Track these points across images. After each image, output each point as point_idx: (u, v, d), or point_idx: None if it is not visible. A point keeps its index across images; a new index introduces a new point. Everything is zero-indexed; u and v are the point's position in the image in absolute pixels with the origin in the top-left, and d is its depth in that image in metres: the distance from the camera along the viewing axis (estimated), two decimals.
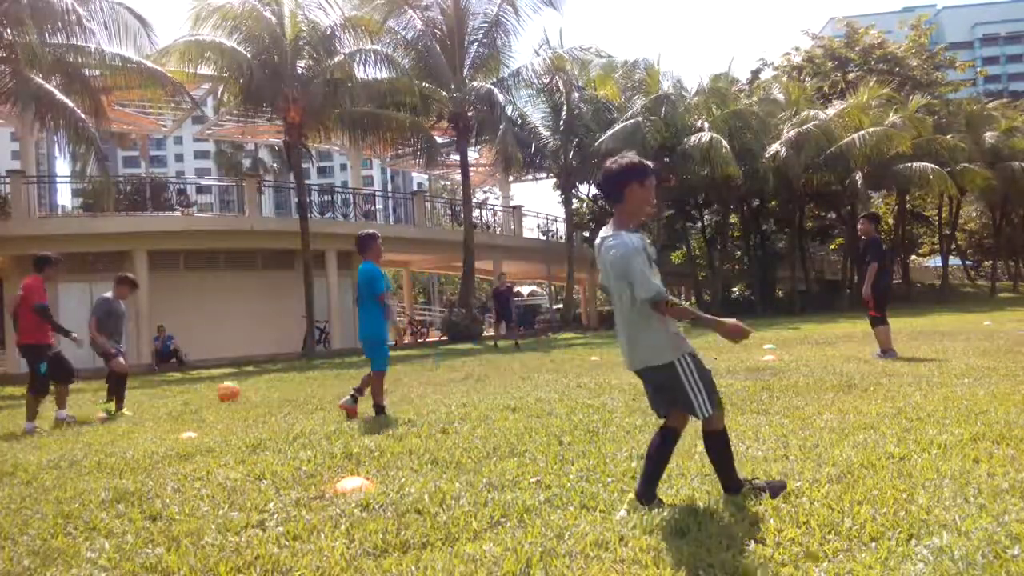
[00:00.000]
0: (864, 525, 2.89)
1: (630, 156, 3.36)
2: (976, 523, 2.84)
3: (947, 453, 4.00)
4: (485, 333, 25.38)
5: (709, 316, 3.25)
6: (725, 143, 25.60)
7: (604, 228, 3.38)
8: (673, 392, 3.30)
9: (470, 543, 3.03)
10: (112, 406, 8.61)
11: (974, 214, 44.87)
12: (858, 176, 28.71)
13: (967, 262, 47.71)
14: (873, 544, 2.72)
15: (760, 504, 3.24)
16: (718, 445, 3.39)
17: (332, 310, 22.55)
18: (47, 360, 8.20)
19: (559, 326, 28.67)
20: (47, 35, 15.75)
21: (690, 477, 3.81)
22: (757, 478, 3.50)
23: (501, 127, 23.87)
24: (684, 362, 3.26)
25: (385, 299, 6.86)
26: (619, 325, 3.40)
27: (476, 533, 3.16)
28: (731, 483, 3.40)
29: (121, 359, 8.94)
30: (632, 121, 25.57)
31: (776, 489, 3.38)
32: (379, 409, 6.81)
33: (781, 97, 30.97)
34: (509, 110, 25.77)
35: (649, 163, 3.38)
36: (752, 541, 2.82)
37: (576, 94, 27.52)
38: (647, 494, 3.33)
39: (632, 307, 3.24)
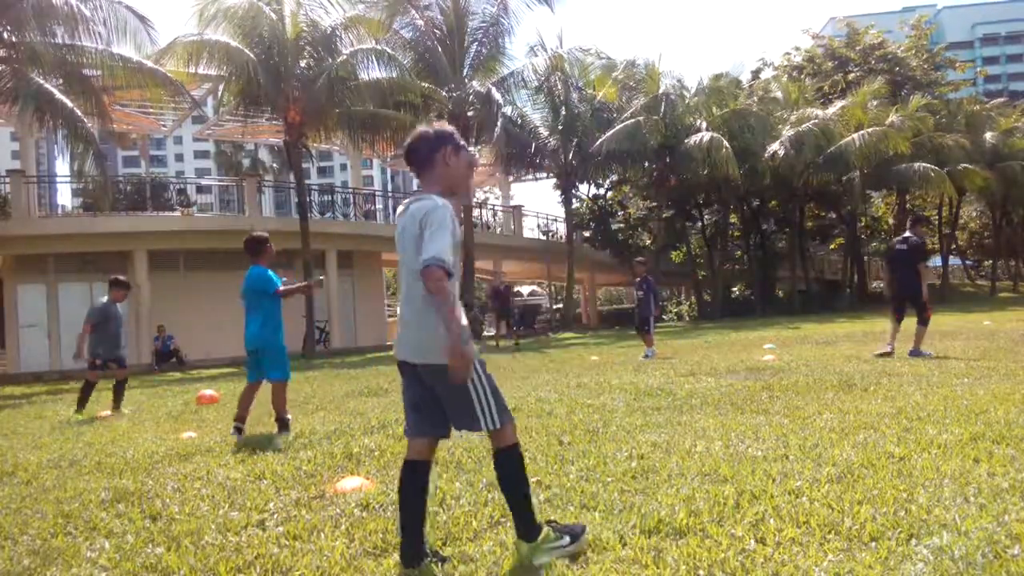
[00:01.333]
0: (864, 525, 2.89)
1: (450, 127, 2.99)
2: (976, 523, 2.84)
3: (947, 453, 4.00)
4: (485, 333, 25.37)
5: (459, 326, 2.60)
6: (726, 143, 25.61)
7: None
8: (452, 400, 2.77)
9: (470, 543, 3.03)
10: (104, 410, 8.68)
11: (974, 214, 44.88)
12: (855, 176, 28.71)
13: (967, 262, 47.70)
14: (873, 544, 2.72)
15: (760, 504, 3.24)
16: (511, 463, 2.81)
17: (332, 310, 22.55)
18: None
19: (559, 326, 28.66)
20: (48, 35, 15.74)
21: (690, 477, 3.81)
22: (554, 521, 2.97)
23: (497, 127, 23.86)
24: (474, 365, 2.73)
25: (281, 292, 6.26)
26: (403, 305, 2.83)
27: (476, 533, 3.16)
28: (526, 525, 2.78)
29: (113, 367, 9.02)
30: (632, 121, 25.59)
31: (576, 535, 2.85)
32: (283, 424, 6.22)
33: (780, 96, 30.96)
34: (509, 110, 25.80)
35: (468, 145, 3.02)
36: (752, 541, 2.82)
37: (575, 94, 27.54)
38: (416, 549, 2.78)
39: (419, 281, 2.65)
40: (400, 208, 2.91)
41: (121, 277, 9.05)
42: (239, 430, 6.08)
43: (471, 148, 26.62)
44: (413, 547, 2.79)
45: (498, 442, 2.81)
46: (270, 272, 6.25)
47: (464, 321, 2.67)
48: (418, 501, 2.86)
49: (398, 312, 2.90)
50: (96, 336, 8.73)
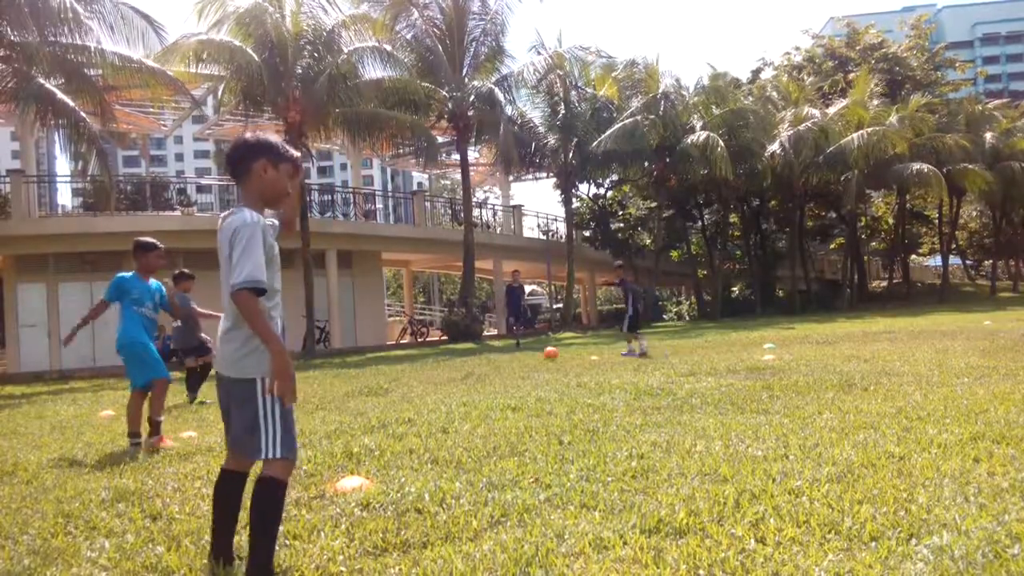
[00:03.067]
0: (864, 524, 2.89)
1: (272, 136, 2.92)
2: (976, 522, 2.84)
3: (947, 452, 4.00)
4: (485, 333, 25.38)
5: (281, 344, 2.65)
6: (721, 142, 25.61)
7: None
8: (241, 418, 2.72)
9: (470, 542, 3.03)
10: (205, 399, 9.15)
11: (974, 214, 44.87)
12: (851, 175, 28.70)
13: (967, 262, 47.69)
14: (873, 543, 2.72)
15: (760, 503, 3.24)
16: (271, 498, 2.69)
17: (332, 310, 22.55)
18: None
19: (559, 325, 28.66)
20: (49, 35, 15.74)
21: (690, 476, 3.81)
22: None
23: (502, 127, 23.87)
24: (262, 385, 2.67)
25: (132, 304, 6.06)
26: (223, 317, 2.84)
27: (476, 532, 3.16)
28: (225, 550, 2.84)
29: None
30: (631, 120, 25.57)
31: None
32: (135, 436, 5.94)
33: (776, 95, 30.96)
34: (509, 109, 25.79)
35: (294, 152, 2.91)
36: (752, 540, 2.82)
37: (575, 93, 27.53)
38: (224, 553, 2.85)
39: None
40: (219, 221, 2.85)
41: (186, 270, 9.39)
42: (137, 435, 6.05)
43: (471, 147, 26.61)
44: (220, 549, 2.86)
45: (268, 470, 2.69)
46: (132, 280, 6.12)
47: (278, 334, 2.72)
48: (227, 508, 2.87)
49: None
50: (184, 327, 9.39)
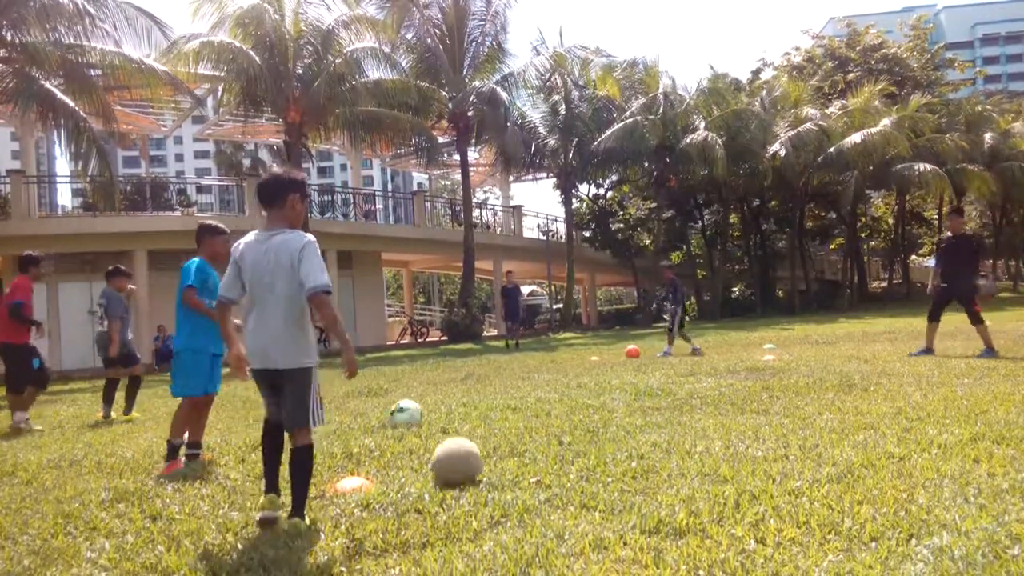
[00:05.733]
0: (864, 525, 2.89)
1: (303, 174, 3.64)
2: (976, 523, 2.84)
3: (947, 453, 4.00)
4: (485, 333, 25.37)
5: (233, 336, 3.53)
6: (719, 143, 25.60)
7: (253, 233, 3.55)
8: (296, 397, 3.42)
9: (470, 543, 3.03)
10: (136, 415, 8.47)
11: (974, 214, 44.86)
12: (851, 176, 28.70)
13: None
14: (873, 544, 2.72)
15: (760, 504, 3.24)
16: (310, 461, 3.52)
17: None
18: (36, 357, 8.21)
19: (559, 326, 28.66)
20: (49, 34, 15.74)
21: (690, 477, 3.81)
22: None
23: (508, 126, 23.88)
24: (315, 371, 3.47)
25: (193, 299, 5.15)
26: (260, 320, 3.43)
27: (476, 533, 3.16)
28: (276, 484, 3.56)
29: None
30: (631, 120, 25.59)
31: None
32: (174, 449, 5.12)
33: (776, 94, 30.96)
34: (509, 110, 25.80)
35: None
36: (752, 541, 2.82)
37: (576, 93, 27.53)
38: (276, 482, 3.56)
39: (290, 302, 3.37)
40: (250, 239, 3.52)
41: (120, 266, 8.74)
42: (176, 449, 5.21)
43: (471, 148, 26.71)
44: (272, 484, 3.56)
45: (303, 439, 3.47)
46: (200, 265, 5.34)
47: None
48: (277, 450, 3.60)
49: (253, 325, 3.47)
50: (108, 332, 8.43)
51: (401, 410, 6.14)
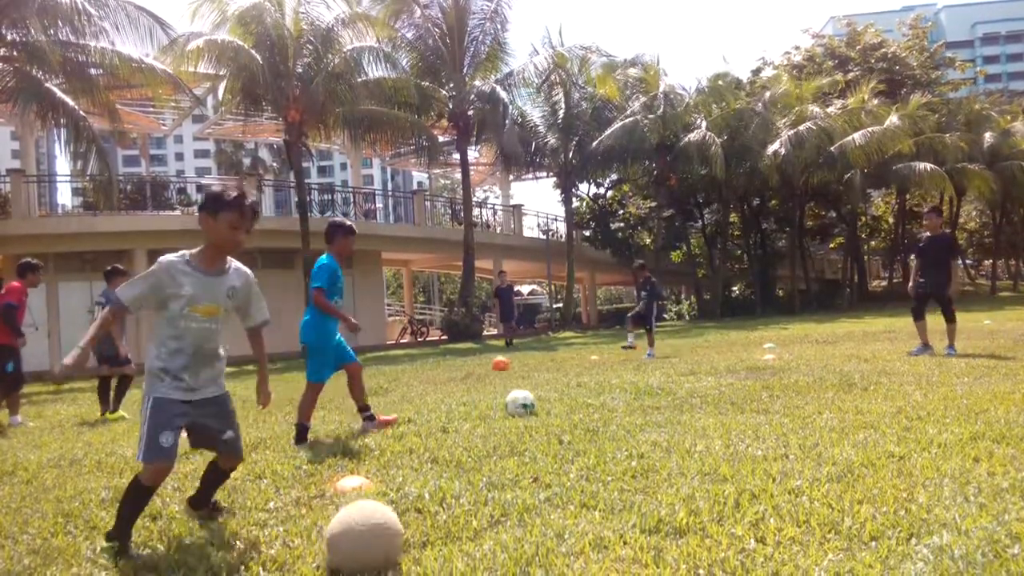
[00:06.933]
0: (864, 524, 2.89)
1: (219, 187, 3.31)
2: (976, 522, 2.84)
3: (947, 452, 3.99)
4: (485, 332, 25.37)
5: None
6: (717, 141, 25.59)
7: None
8: (231, 420, 3.44)
9: (470, 542, 3.03)
10: (123, 414, 8.45)
11: (974, 214, 44.88)
12: (855, 175, 28.69)
13: (967, 261, 47.69)
14: (873, 543, 2.72)
15: (760, 503, 3.24)
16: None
17: None
18: (13, 360, 8.19)
19: (559, 325, 28.66)
20: (51, 33, 15.72)
21: (690, 476, 3.81)
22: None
23: (507, 125, 23.86)
24: (146, 401, 3.26)
25: (323, 301, 5.60)
26: (199, 353, 3.29)
27: (476, 532, 3.15)
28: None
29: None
30: (631, 119, 25.57)
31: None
32: (304, 431, 5.62)
33: (774, 94, 30.93)
34: (509, 109, 25.80)
35: (231, 196, 3.22)
36: (752, 540, 2.82)
37: (576, 92, 27.52)
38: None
39: (221, 331, 3.38)
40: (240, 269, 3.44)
41: (118, 265, 8.81)
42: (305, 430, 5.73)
43: (471, 147, 26.75)
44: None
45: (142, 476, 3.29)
46: (331, 264, 5.69)
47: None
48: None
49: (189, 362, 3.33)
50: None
51: (524, 406, 6.25)
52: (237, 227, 3.23)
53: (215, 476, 3.61)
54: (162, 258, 3.20)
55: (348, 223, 5.88)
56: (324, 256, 5.74)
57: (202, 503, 3.63)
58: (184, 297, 3.18)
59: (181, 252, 3.24)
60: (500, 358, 12.30)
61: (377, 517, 2.83)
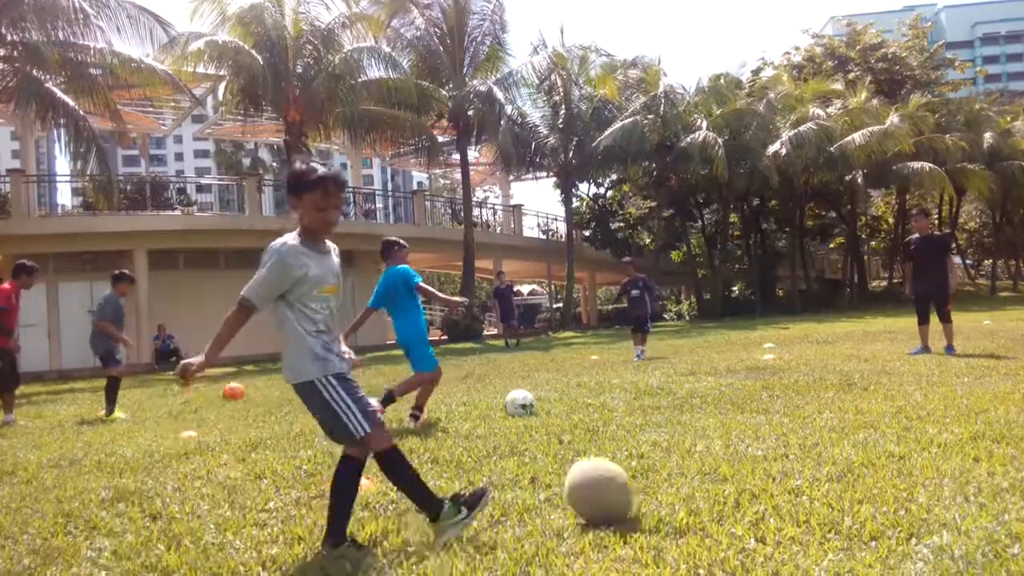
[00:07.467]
0: (864, 524, 2.89)
1: (302, 165, 3.07)
2: (976, 522, 2.84)
3: (947, 452, 3.99)
4: (485, 332, 25.37)
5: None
6: (720, 142, 25.57)
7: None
8: (321, 415, 3.02)
9: (470, 542, 3.03)
10: (120, 414, 8.44)
11: (974, 213, 44.87)
12: (859, 175, 28.68)
13: (967, 261, 47.68)
14: (873, 543, 2.72)
15: (760, 503, 3.24)
16: (394, 463, 3.08)
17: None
18: (5, 361, 8.16)
19: (559, 325, 28.65)
20: (51, 33, 15.71)
21: (690, 476, 3.80)
22: (462, 493, 3.24)
23: (501, 126, 23.86)
24: (324, 382, 2.97)
25: (425, 287, 6.51)
26: (331, 333, 3.13)
27: (476, 532, 3.16)
28: (429, 505, 3.09)
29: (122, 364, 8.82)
30: (631, 119, 25.56)
31: (477, 498, 3.15)
32: (420, 407, 6.41)
33: (774, 96, 30.92)
34: (509, 109, 25.80)
35: (314, 175, 3.00)
36: (752, 540, 2.81)
37: (576, 92, 27.50)
38: (337, 534, 3.02)
39: (272, 315, 3.03)
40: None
41: (126, 271, 8.93)
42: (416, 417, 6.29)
43: (471, 147, 26.69)
44: (336, 534, 3.03)
45: (376, 445, 3.03)
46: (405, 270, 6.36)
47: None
48: (346, 493, 3.10)
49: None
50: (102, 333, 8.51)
51: (523, 407, 6.31)
52: (323, 207, 3.02)
53: (395, 476, 3.15)
54: (274, 244, 2.99)
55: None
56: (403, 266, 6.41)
57: (422, 504, 3.15)
58: (311, 279, 3.01)
59: (285, 236, 3.03)
60: (234, 384, 10.55)
61: (619, 476, 3.24)
